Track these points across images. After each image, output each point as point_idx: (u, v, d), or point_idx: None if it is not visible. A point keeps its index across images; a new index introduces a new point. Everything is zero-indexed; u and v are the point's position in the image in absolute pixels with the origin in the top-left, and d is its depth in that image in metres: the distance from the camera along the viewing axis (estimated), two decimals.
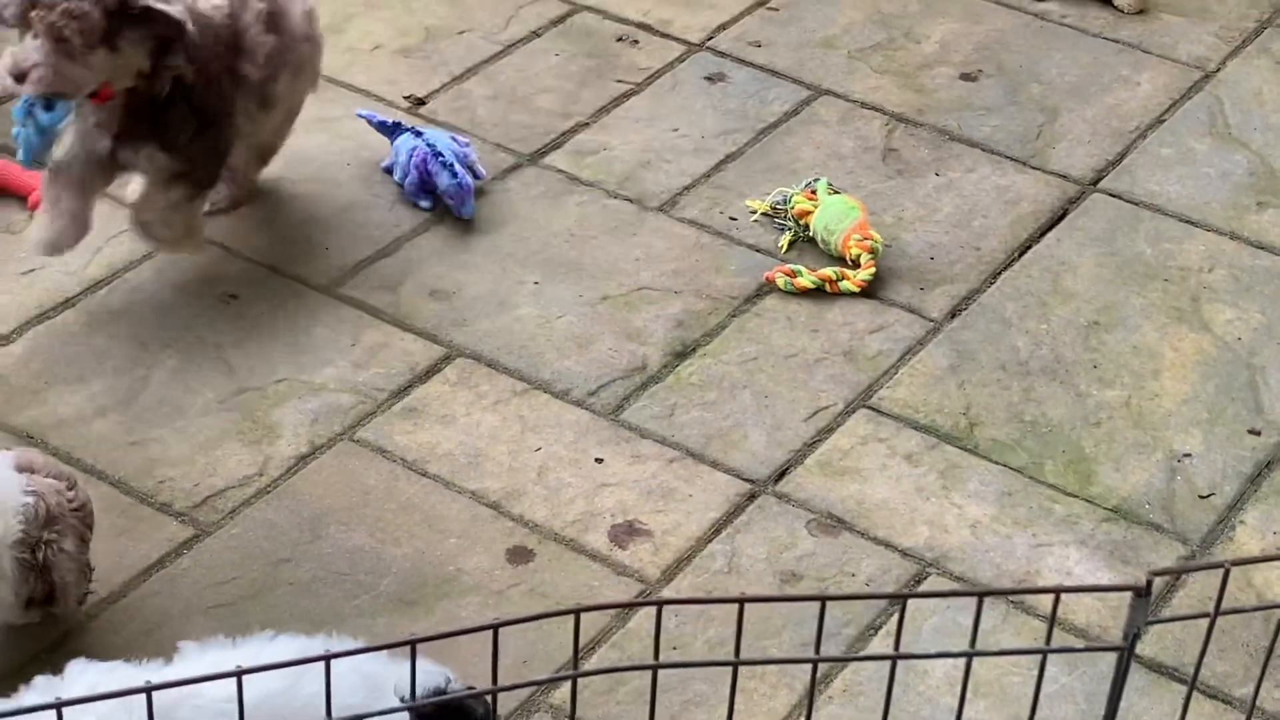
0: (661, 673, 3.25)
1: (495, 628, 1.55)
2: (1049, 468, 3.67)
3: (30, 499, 2.93)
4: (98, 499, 3.49)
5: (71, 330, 3.89)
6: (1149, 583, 1.78)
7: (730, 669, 1.84)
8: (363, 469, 3.61)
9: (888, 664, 3.24)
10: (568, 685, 3.17)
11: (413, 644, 1.60)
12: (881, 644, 3.28)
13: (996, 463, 3.67)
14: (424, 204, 4.26)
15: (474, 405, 3.77)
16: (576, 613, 1.63)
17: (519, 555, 3.42)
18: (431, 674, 2.61)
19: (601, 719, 3.13)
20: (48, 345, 3.85)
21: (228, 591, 3.32)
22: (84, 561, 3.08)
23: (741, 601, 1.69)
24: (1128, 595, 2.05)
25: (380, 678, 2.55)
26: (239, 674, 1.76)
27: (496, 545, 3.45)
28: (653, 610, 3.30)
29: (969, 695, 3.09)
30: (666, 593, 3.36)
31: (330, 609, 3.27)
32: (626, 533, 3.50)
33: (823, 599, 1.79)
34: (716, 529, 3.52)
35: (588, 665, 3.21)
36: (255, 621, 3.11)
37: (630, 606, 3.28)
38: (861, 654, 3.25)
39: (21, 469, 3.02)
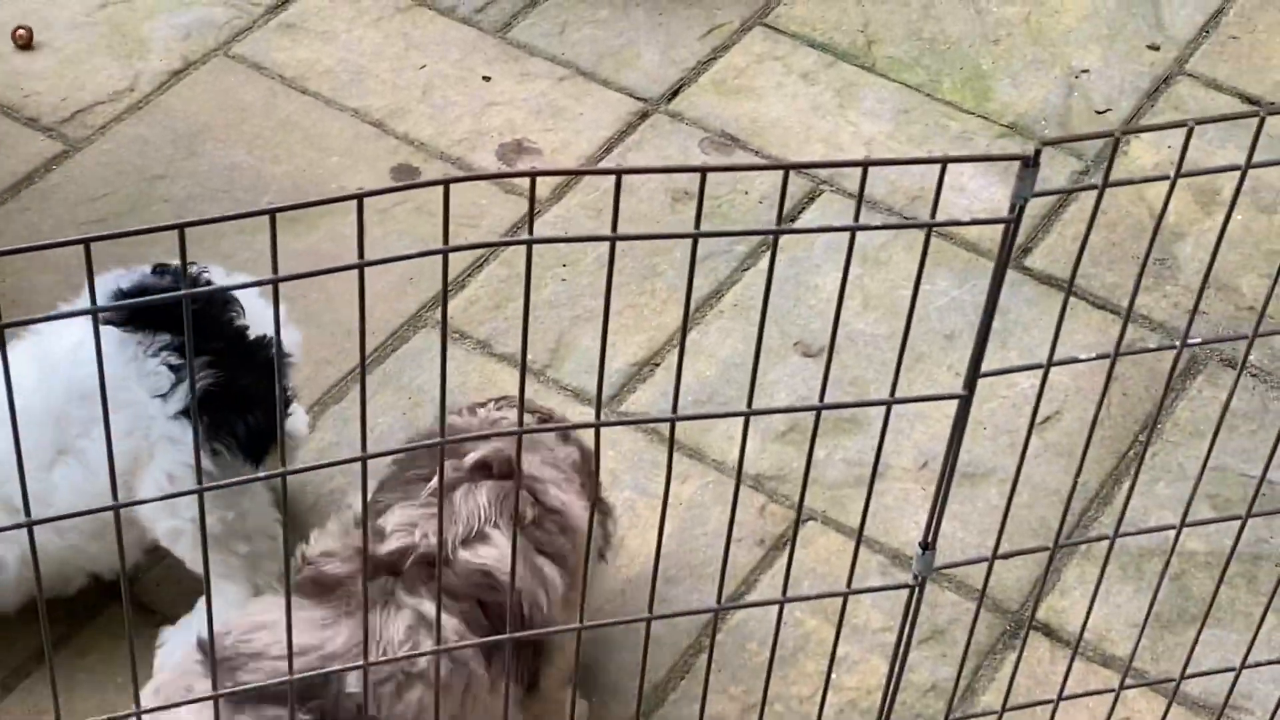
0: (551, 289, 3.24)
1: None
2: (946, 85, 3.63)
3: None
4: None
5: None
6: (1037, 152, 1.76)
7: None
8: (239, 85, 3.50)
9: (778, 278, 3.28)
10: (454, 301, 3.17)
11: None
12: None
13: (893, 80, 3.63)
14: None
15: (355, 21, 3.66)
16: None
17: (404, 174, 3.36)
18: None
19: (489, 335, 3.12)
20: None
21: (101, 208, 3.24)
22: None
23: (618, 174, 1.63)
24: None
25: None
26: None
27: (381, 163, 3.38)
28: (538, 231, 3.27)
29: (859, 309, 3.11)
30: (555, 211, 3.33)
31: (209, 227, 3.19)
32: (515, 151, 3.44)
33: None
34: (607, 147, 3.46)
35: (472, 284, 3.20)
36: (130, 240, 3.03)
37: (502, 245, 3.25)
38: (749, 265, 3.26)
39: None
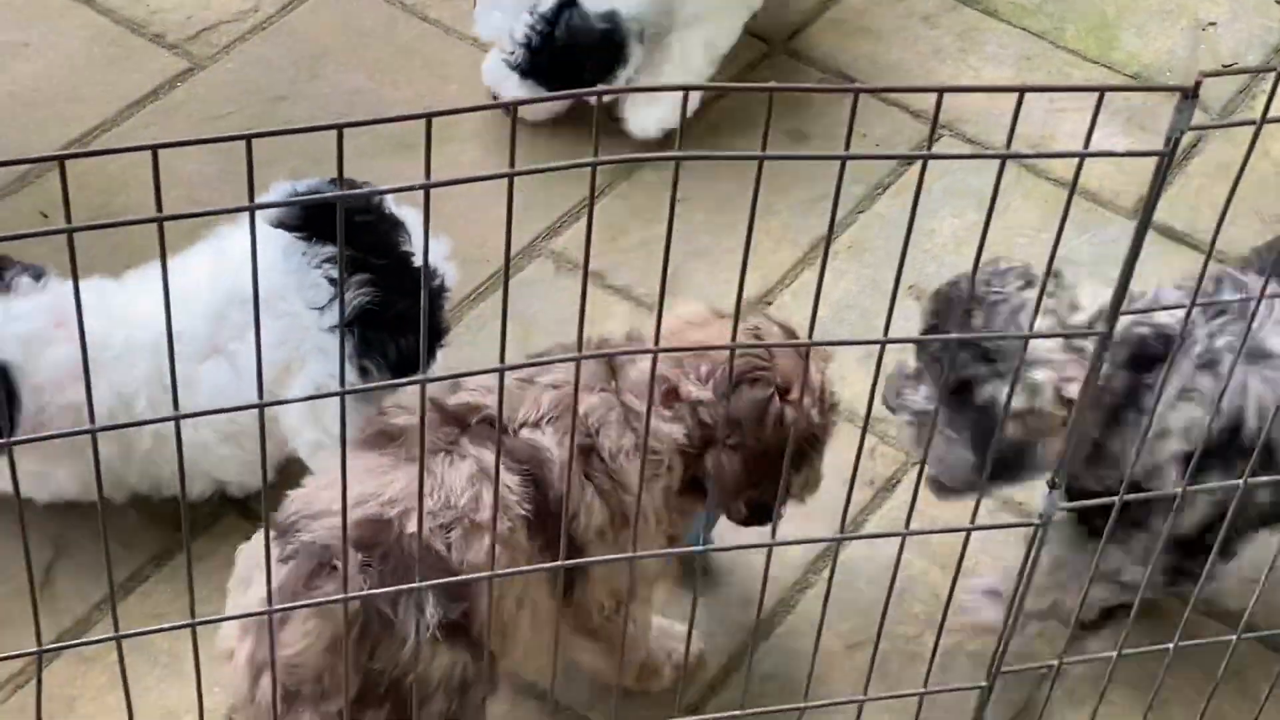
0: (663, 225, 3.24)
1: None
2: (1070, 32, 3.60)
3: None
4: (86, 27, 3.44)
5: None
6: (1197, 84, 1.75)
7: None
8: (360, 10, 3.52)
9: (893, 222, 3.28)
10: (569, 232, 3.18)
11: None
12: (889, 203, 3.28)
13: (1016, 26, 3.60)
14: None
15: None
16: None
17: None
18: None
19: (603, 267, 3.13)
20: None
21: (223, 126, 3.26)
22: None
23: (771, 91, 1.63)
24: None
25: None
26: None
27: None
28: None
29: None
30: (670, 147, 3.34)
31: (329, 149, 3.21)
32: None
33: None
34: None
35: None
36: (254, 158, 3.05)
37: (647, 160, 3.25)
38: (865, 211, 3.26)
39: None
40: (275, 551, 1.99)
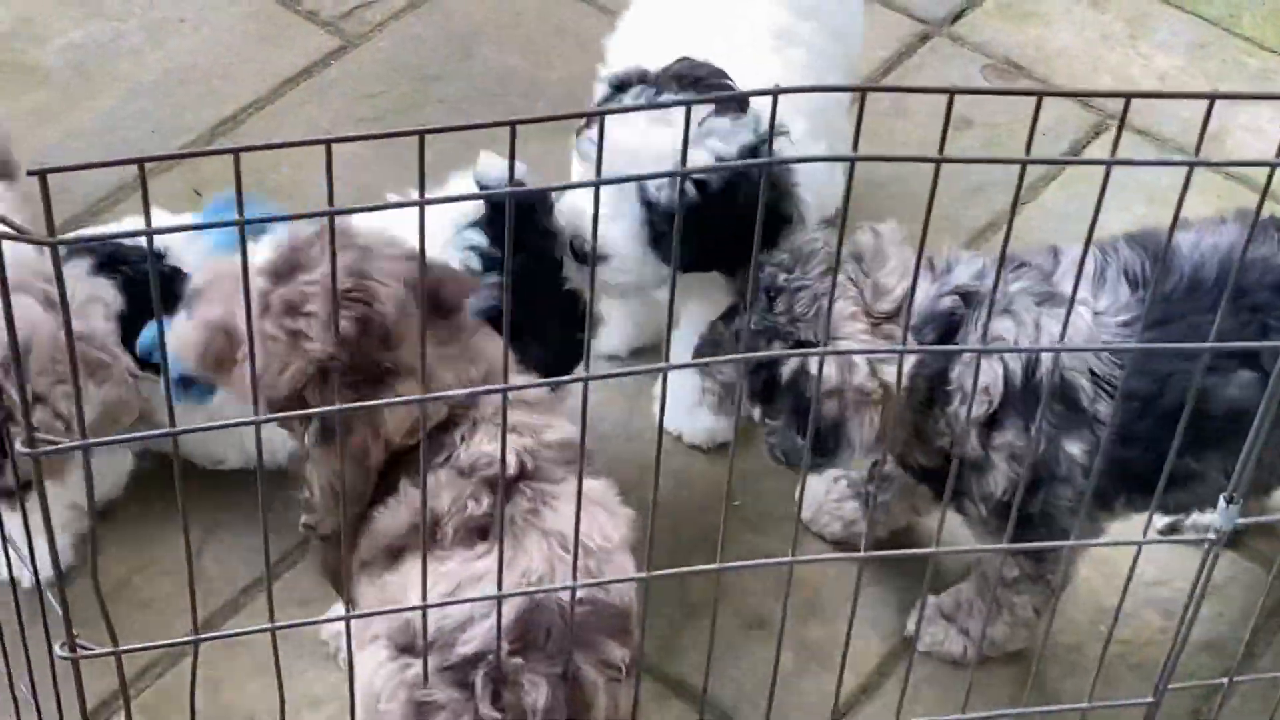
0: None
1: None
2: (1246, 19, 3.51)
3: None
4: (241, 4, 3.44)
5: None
6: None
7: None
8: None
9: (1057, 214, 3.20)
10: None
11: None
12: (1055, 195, 3.21)
13: (1189, 12, 3.52)
14: None
15: None
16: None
17: None
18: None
19: None
20: None
21: (376, 105, 3.27)
22: None
23: (952, 93, 1.59)
24: None
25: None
26: None
27: None
28: None
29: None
30: None
31: (480, 133, 3.20)
32: None
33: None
34: (885, 69, 3.40)
35: None
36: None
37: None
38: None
39: None
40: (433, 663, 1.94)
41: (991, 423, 2.30)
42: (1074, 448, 2.32)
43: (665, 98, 2.47)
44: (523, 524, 2.02)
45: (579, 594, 1.93)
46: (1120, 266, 2.35)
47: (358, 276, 2.04)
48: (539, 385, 1.97)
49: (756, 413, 2.43)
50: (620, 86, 2.54)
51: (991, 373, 2.29)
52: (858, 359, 2.31)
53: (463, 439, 2.07)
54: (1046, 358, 2.29)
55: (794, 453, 2.42)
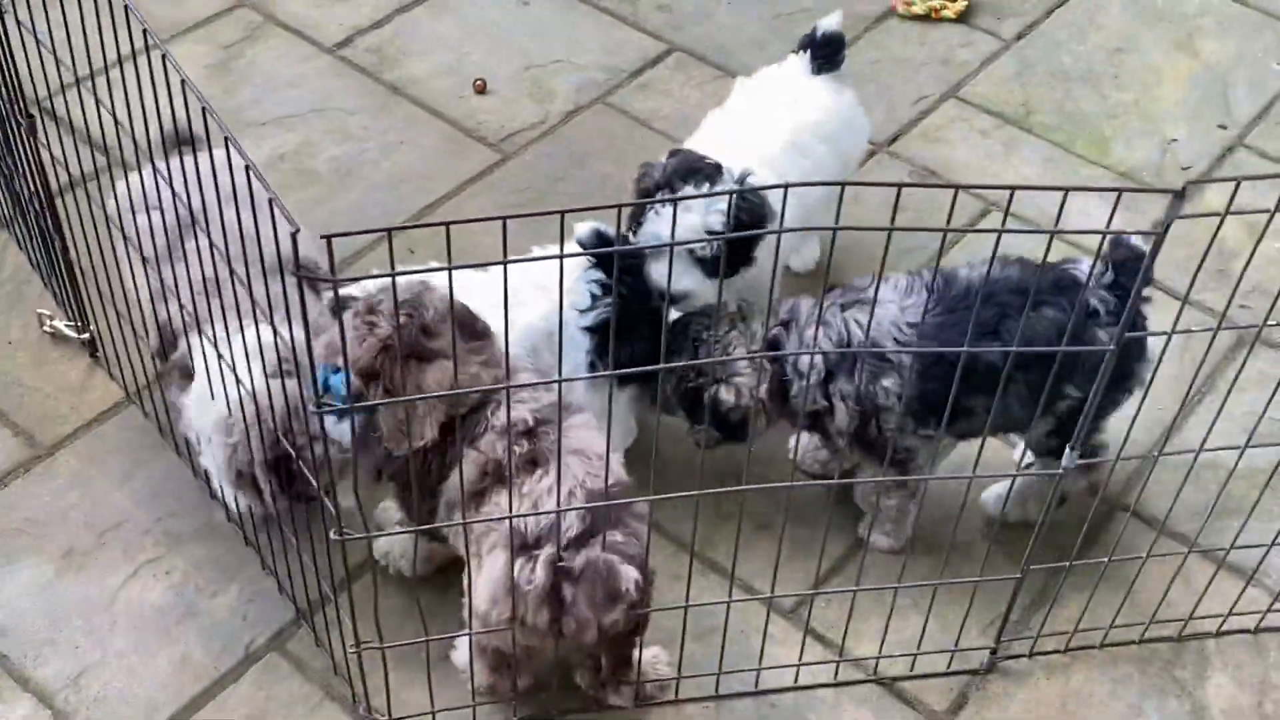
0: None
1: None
2: (1079, 144, 3.58)
3: None
4: (438, 132, 3.50)
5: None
6: (1184, 187, 1.71)
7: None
8: (611, 123, 3.63)
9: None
10: None
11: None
12: (956, 256, 3.22)
13: (1043, 139, 3.59)
14: None
15: (685, 85, 3.68)
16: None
17: None
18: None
19: None
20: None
21: (522, 197, 3.38)
22: None
23: (899, 186, 1.63)
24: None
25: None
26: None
27: None
28: None
29: None
30: None
31: (596, 213, 3.23)
32: None
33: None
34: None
35: None
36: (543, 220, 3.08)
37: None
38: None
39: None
40: (546, 551, 2.03)
41: (828, 379, 2.37)
42: (888, 382, 2.38)
43: (706, 189, 2.47)
44: (551, 450, 2.09)
45: (611, 479, 2.06)
46: (923, 283, 2.44)
47: (414, 299, 2.11)
48: (533, 386, 1.98)
49: (687, 422, 2.57)
50: (650, 192, 2.55)
51: (817, 361, 2.42)
52: (746, 383, 2.44)
53: (491, 413, 2.14)
54: (857, 332, 2.39)
55: (710, 441, 2.54)
